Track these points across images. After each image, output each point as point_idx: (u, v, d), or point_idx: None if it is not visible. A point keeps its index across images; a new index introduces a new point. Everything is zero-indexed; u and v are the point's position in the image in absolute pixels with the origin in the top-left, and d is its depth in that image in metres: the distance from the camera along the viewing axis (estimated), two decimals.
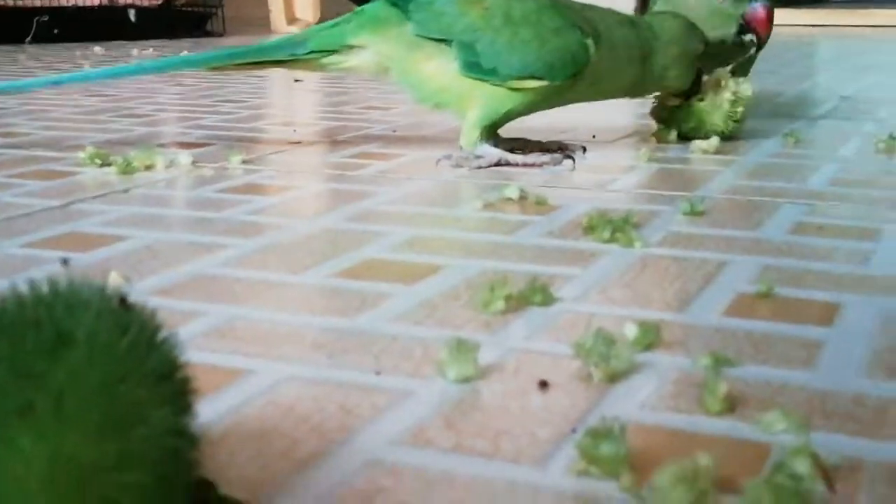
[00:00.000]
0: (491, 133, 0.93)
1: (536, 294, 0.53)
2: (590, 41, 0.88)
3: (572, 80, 0.88)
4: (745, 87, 0.99)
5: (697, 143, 0.96)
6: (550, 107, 0.94)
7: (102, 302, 0.31)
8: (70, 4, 2.40)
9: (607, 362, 0.43)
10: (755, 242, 0.65)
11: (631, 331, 0.47)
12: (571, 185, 0.83)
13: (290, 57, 0.94)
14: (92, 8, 2.43)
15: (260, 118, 1.24)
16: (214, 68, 0.99)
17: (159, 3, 2.52)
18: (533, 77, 0.87)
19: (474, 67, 0.88)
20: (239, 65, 0.97)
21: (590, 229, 0.66)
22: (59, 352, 0.29)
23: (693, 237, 0.66)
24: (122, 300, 0.32)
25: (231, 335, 0.48)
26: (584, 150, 0.95)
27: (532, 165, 0.89)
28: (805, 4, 3.31)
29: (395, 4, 0.90)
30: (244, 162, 0.90)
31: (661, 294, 0.55)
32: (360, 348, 0.47)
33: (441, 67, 0.89)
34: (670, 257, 0.61)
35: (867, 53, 2.26)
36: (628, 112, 1.20)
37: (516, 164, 0.89)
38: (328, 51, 0.93)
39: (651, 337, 0.47)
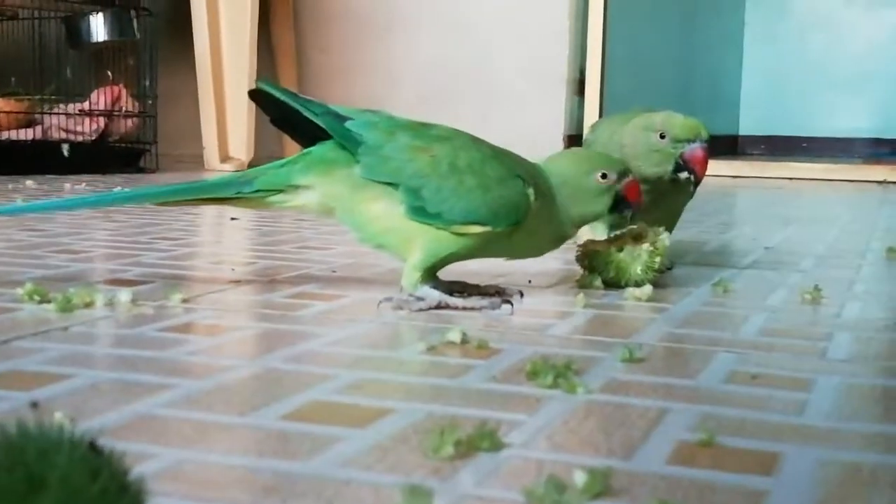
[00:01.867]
0: (431, 275, 0.94)
1: (485, 439, 0.53)
2: (530, 190, 0.91)
3: (513, 228, 0.91)
4: (663, 237, 1.03)
5: (631, 291, 0.98)
6: (490, 255, 0.96)
7: (73, 446, 0.32)
8: (3, 139, 2.40)
9: None
10: (693, 391, 0.66)
11: (580, 478, 0.47)
12: (511, 329, 0.85)
13: (236, 195, 0.95)
14: (25, 142, 2.44)
15: (197, 256, 1.24)
16: (159, 203, 1.00)
17: (93, 138, 2.53)
18: (477, 223, 0.90)
19: (420, 212, 0.90)
20: (183, 201, 0.98)
21: (533, 374, 0.67)
22: (31, 496, 0.29)
23: (633, 384, 0.68)
24: (92, 444, 0.32)
25: (182, 478, 0.48)
26: (522, 294, 0.97)
27: (471, 309, 0.91)
28: (722, 156, 3.43)
29: (343, 147, 0.92)
30: (184, 301, 0.90)
31: (606, 441, 0.56)
32: (313, 493, 0.47)
33: (386, 210, 0.91)
34: (613, 404, 0.63)
35: (785, 205, 2.34)
36: (560, 258, 1.23)
37: (456, 308, 0.91)
38: (274, 190, 0.95)
39: (600, 484, 0.47)
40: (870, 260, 1.32)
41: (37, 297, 0.87)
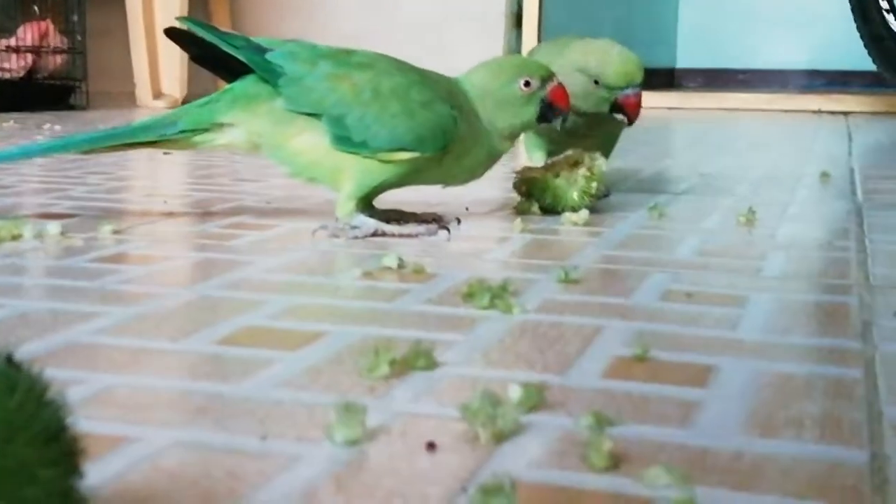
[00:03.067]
0: (366, 204, 0.93)
1: (420, 358, 0.53)
2: (456, 113, 0.90)
3: (442, 152, 0.90)
4: (600, 162, 1.02)
5: (568, 216, 0.98)
6: (423, 182, 0.95)
7: None
8: None
9: (494, 423, 0.44)
10: (628, 309, 0.66)
11: (515, 392, 0.47)
12: (448, 254, 0.84)
13: (160, 137, 0.93)
14: None
15: (129, 190, 1.22)
16: (83, 152, 0.98)
17: (21, 75, 2.47)
18: (403, 149, 0.88)
19: (345, 141, 0.88)
20: (107, 147, 0.95)
21: (469, 296, 0.67)
22: None
23: (569, 304, 0.67)
24: (9, 359, 0.31)
25: (111, 402, 0.47)
26: (459, 221, 0.96)
27: (408, 236, 0.90)
28: (660, 88, 3.43)
29: (264, 81, 0.90)
30: (115, 232, 0.89)
31: (541, 358, 0.55)
32: (246, 414, 0.46)
33: (312, 142, 0.89)
34: (548, 323, 0.63)
35: (722, 135, 2.35)
36: (497, 186, 1.22)
37: (392, 235, 0.90)
38: (198, 129, 0.92)
39: (535, 398, 0.47)
40: (804, 184, 1.33)
41: None
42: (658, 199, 1.13)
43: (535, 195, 1.04)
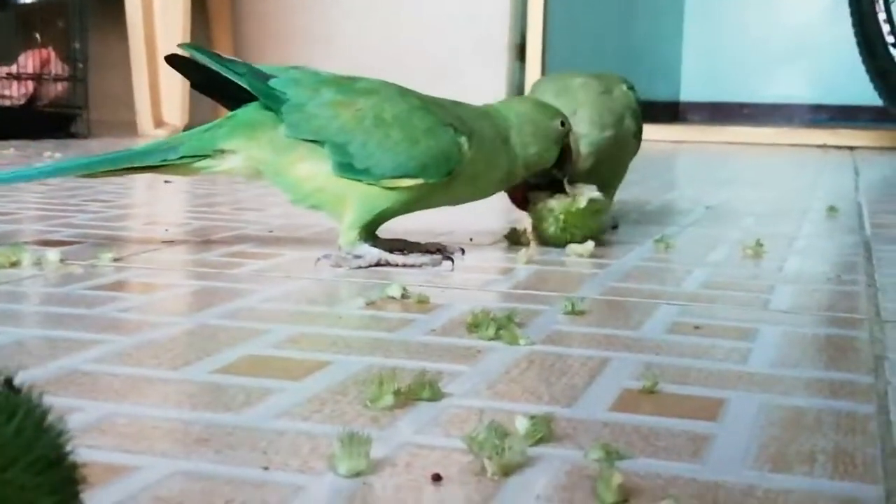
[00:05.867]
0: (370, 234, 0.93)
1: (425, 389, 0.52)
2: (463, 139, 0.89)
3: (448, 178, 0.89)
4: (595, 193, 1.01)
5: (573, 247, 0.97)
6: (430, 206, 0.94)
7: None
8: None
9: (501, 455, 0.43)
10: (635, 341, 0.66)
11: (522, 424, 0.46)
12: (452, 285, 0.83)
13: (161, 162, 0.92)
14: None
15: (130, 218, 1.21)
16: (84, 175, 0.97)
17: (21, 103, 2.47)
18: (406, 176, 0.88)
19: (347, 168, 0.88)
20: (108, 172, 0.95)
21: (474, 327, 0.66)
22: None
23: (575, 335, 0.67)
24: (9, 382, 0.30)
25: (112, 431, 0.46)
26: (463, 251, 0.95)
27: (411, 266, 0.89)
28: (664, 121, 3.44)
29: (266, 108, 0.90)
30: (115, 260, 0.88)
31: (548, 389, 0.55)
32: (248, 443, 0.45)
33: (315, 169, 0.89)
34: (555, 354, 0.62)
35: (727, 168, 2.35)
36: (502, 217, 1.21)
37: (396, 265, 0.89)
38: (200, 156, 0.92)
39: (542, 430, 0.46)
40: (811, 218, 1.32)
41: None
42: (665, 231, 1.12)
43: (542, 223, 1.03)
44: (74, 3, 2.58)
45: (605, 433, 0.48)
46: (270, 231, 1.09)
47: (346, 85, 0.91)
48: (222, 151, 0.91)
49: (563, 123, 0.97)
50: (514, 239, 1.03)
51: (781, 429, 0.49)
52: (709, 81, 4.31)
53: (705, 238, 1.12)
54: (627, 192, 1.45)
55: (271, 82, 0.90)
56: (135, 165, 0.93)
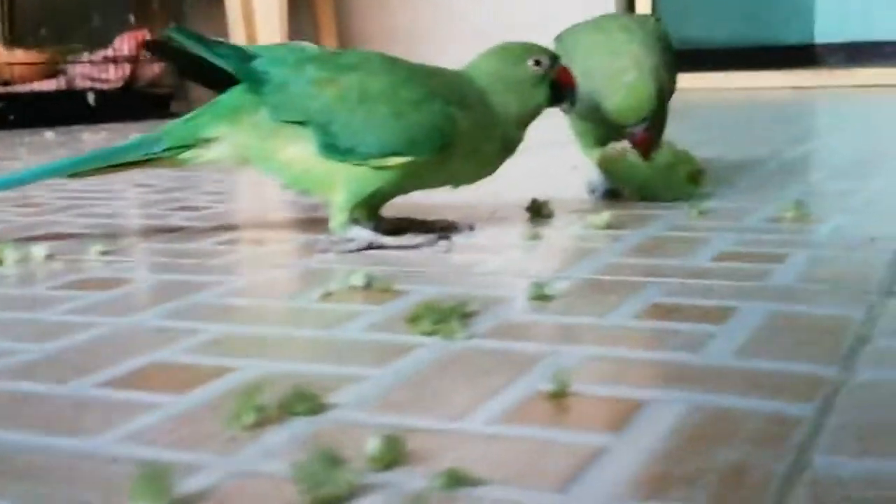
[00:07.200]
0: (372, 214, 0.88)
1: (300, 402, 0.47)
2: (455, 109, 0.84)
3: (442, 153, 0.84)
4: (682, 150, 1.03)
5: (590, 219, 0.91)
6: (428, 186, 0.89)
7: None
8: (26, 91, 2.38)
9: (319, 488, 0.38)
10: (590, 330, 0.59)
11: (372, 446, 0.41)
12: (443, 267, 0.78)
13: (146, 157, 0.89)
14: (49, 93, 2.42)
15: (127, 207, 1.19)
16: (71, 175, 0.93)
17: (120, 85, 2.50)
18: (394, 154, 0.83)
19: (332, 149, 0.83)
20: (95, 170, 0.92)
21: (413, 320, 0.61)
22: None
23: (526, 327, 0.61)
24: None
25: None
26: (472, 228, 0.90)
27: (406, 248, 0.84)
28: (794, 66, 3.28)
29: (251, 91, 0.86)
30: (103, 253, 0.86)
31: (447, 398, 0.49)
32: (58, 475, 0.41)
33: (301, 151, 0.84)
34: (487, 351, 0.56)
35: (831, 113, 2.22)
36: (547, 184, 1.15)
37: (389, 247, 0.84)
38: (184, 146, 0.88)
39: (394, 453, 0.41)
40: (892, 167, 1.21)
41: None
42: (712, 189, 1.05)
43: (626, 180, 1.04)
44: None
45: (477, 452, 0.42)
46: (267, 216, 1.05)
47: (330, 60, 0.86)
48: (207, 140, 0.88)
49: (537, 62, 0.88)
50: (535, 210, 0.97)
51: (686, 439, 0.43)
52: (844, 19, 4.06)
53: (755, 198, 1.04)
54: (707, 147, 1.36)
55: (255, 62, 0.86)
56: (120, 162, 0.90)
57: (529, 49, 0.90)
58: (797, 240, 0.83)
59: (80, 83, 2.46)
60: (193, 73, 0.92)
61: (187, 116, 0.89)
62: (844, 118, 2.07)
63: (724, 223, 0.91)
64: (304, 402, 0.47)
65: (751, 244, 0.82)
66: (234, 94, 0.87)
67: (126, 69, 2.50)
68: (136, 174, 1.41)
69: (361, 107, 0.83)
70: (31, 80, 2.43)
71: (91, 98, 2.41)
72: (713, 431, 0.44)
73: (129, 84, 2.52)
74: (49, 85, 2.43)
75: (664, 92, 1.01)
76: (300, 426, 0.46)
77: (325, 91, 0.83)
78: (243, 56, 0.86)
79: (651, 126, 1.00)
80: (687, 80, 2.95)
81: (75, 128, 2.29)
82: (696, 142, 1.39)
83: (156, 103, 2.55)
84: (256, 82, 0.84)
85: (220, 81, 0.88)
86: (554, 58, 0.90)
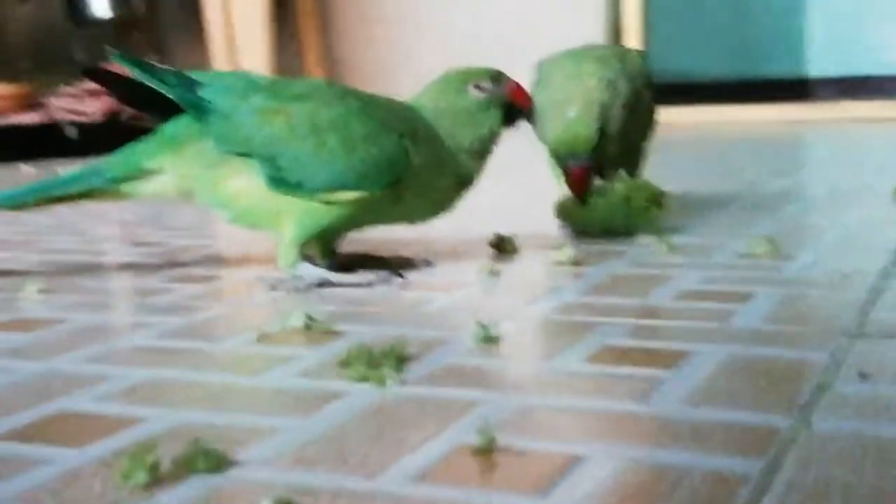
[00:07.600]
0: (326, 250, 0.84)
1: (202, 459, 0.43)
2: (408, 142, 0.80)
3: (394, 188, 0.80)
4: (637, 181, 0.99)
5: (553, 254, 0.87)
6: (382, 222, 0.85)
7: None
8: (5, 125, 2.35)
9: None
10: (535, 376, 0.56)
11: None
12: (392, 305, 0.74)
13: (87, 189, 0.85)
14: (29, 126, 2.38)
15: (80, 242, 1.15)
16: (10, 209, 0.89)
17: (103, 118, 2.46)
18: (344, 189, 0.79)
19: (280, 182, 0.79)
20: (35, 203, 0.87)
21: (345, 364, 0.57)
22: None
23: (464, 371, 0.57)
24: None
25: None
26: (429, 264, 0.86)
27: (357, 286, 0.81)
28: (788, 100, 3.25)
29: (194, 120, 0.82)
30: (40, 291, 0.82)
31: (364, 453, 0.45)
32: None
33: (247, 185, 0.80)
34: (416, 399, 0.52)
35: (803, 148, 2.18)
36: (528, 218, 1.12)
37: (340, 285, 0.81)
38: (126, 178, 0.84)
39: None
40: (868, 202, 1.18)
41: None
42: (684, 224, 1.01)
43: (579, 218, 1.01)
44: (153, 16, 2.56)
45: None
46: (212, 251, 1.01)
47: (279, 90, 0.82)
48: (149, 171, 0.84)
49: (478, 86, 0.85)
50: (499, 246, 0.93)
51: (617, 502, 0.39)
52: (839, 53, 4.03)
53: (727, 232, 1.00)
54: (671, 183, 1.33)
55: (201, 91, 0.82)
56: (61, 195, 0.86)
57: (468, 74, 0.86)
58: (765, 277, 0.79)
59: (60, 116, 2.42)
60: (140, 101, 0.87)
61: (130, 145, 0.86)
62: (832, 151, 2.03)
63: (691, 259, 0.87)
64: (206, 458, 0.43)
65: (716, 282, 0.78)
66: (179, 123, 0.83)
67: (108, 102, 2.47)
68: (100, 208, 1.37)
69: (310, 138, 0.79)
70: (7, 113, 2.39)
71: (73, 131, 2.37)
72: (649, 491, 0.40)
73: (113, 117, 2.48)
74: (29, 118, 2.39)
75: (615, 132, 0.98)
76: (196, 486, 0.42)
77: (271, 121, 0.80)
78: (189, 84, 0.82)
79: (590, 165, 0.96)
80: (678, 114, 2.94)
81: (57, 161, 2.25)
82: (676, 175, 1.36)
83: (141, 135, 2.50)
84: (200, 111, 0.81)
85: (170, 110, 0.84)
86: (497, 77, 0.86)
